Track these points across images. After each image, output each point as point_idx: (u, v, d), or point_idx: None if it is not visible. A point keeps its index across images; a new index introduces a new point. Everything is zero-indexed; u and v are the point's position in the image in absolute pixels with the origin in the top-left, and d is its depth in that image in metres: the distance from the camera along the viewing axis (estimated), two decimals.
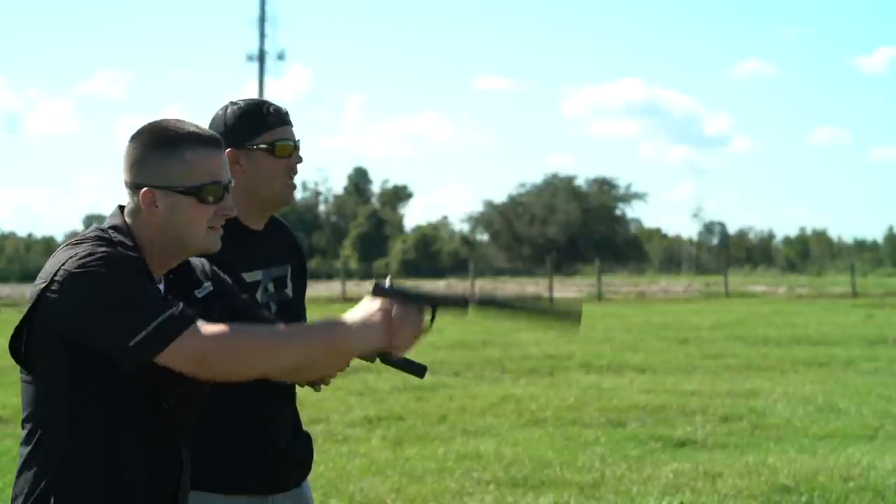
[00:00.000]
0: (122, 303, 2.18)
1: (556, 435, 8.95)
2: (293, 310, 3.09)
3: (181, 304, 2.23)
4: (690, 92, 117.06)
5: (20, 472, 2.30)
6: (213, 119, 3.05)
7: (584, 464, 7.73)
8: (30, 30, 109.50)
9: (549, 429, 9.26)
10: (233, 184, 2.42)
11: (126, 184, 2.36)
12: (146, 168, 2.32)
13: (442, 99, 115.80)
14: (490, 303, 2.42)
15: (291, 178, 3.05)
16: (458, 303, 2.43)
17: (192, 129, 2.35)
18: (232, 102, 3.05)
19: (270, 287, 3.05)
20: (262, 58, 60.21)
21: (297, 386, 3.12)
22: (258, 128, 3.00)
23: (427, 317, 2.42)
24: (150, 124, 2.36)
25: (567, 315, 2.40)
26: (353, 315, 2.34)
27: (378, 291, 2.39)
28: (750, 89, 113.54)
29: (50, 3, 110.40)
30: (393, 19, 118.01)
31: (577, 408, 10.30)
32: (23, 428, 2.33)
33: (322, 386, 3.01)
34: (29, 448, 2.29)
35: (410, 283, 2.45)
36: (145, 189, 2.31)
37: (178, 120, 2.37)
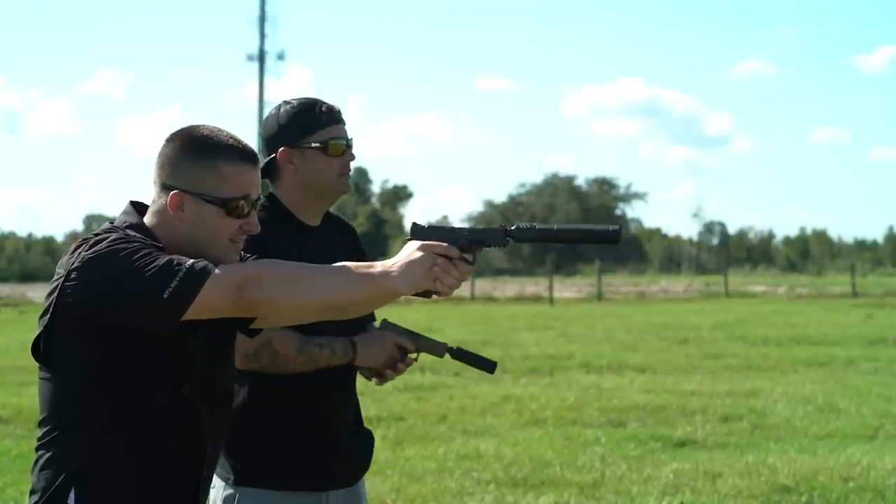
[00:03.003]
0: (146, 264, 2.18)
1: (556, 435, 8.95)
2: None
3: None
4: (691, 92, 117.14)
5: (39, 467, 2.30)
6: (267, 118, 3.10)
7: (584, 464, 7.73)
8: (30, 30, 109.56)
9: (549, 429, 9.26)
10: (261, 200, 2.43)
11: (155, 182, 2.37)
12: (179, 171, 2.33)
13: (442, 99, 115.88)
14: (528, 236, 2.44)
15: (344, 175, 3.09)
16: (498, 238, 2.45)
17: (230, 140, 2.36)
18: (285, 101, 3.10)
19: None
20: (262, 58, 60.19)
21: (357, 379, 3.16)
22: (311, 127, 3.04)
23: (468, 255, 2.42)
24: (190, 128, 2.37)
25: (605, 235, 2.44)
26: (396, 256, 2.36)
27: (417, 232, 2.44)
28: (750, 89, 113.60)
29: (50, 3, 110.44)
30: (393, 19, 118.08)
31: (577, 408, 10.30)
32: (40, 428, 2.33)
33: (384, 380, 3.08)
34: (46, 441, 2.29)
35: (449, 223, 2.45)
36: (175, 192, 2.32)
37: (217, 128, 2.38)
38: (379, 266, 2.34)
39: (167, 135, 2.38)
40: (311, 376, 2.96)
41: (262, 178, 3.09)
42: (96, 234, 2.31)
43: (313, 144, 3.02)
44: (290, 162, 3.04)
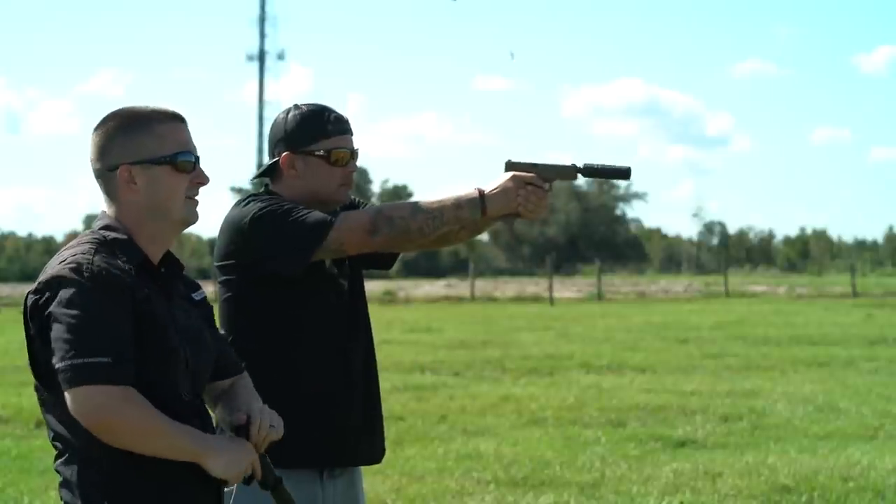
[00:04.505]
0: (81, 325, 2.20)
1: (556, 435, 8.95)
2: (357, 294, 3.15)
3: (124, 358, 2.21)
4: (691, 92, 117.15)
5: (64, 486, 2.30)
6: (275, 121, 3.11)
7: (584, 464, 7.73)
8: (30, 30, 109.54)
9: (549, 429, 9.26)
10: (201, 159, 2.44)
11: (98, 173, 2.39)
12: (119, 148, 2.36)
13: (442, 99, 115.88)
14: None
15: (345, 185, 3.09)
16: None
17: (154, 107, 2.41)
18: (296, 106, 3.10)
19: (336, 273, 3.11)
20: (262, 58, 60.32)
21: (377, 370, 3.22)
22: (317, 134, 3.04)
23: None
24: (112, 112, 2.41)
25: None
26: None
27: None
28: (750, 89, 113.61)
29: (50, 3, 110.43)
30: (393, 20, 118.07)
31: (577, 408, 10.30)
32: (54, 446, 2.33)
33: (530, 218, 3.11)
34: (62, 460, 2.30)
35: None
36: (122, 167, 2.36)
37: (136, 104, 2.42)
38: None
39: (92, 127, 2.41)
40: (311, 354, 2.99)
41: (262, 177, 3.13)
42: (80, 242, 2.33)
43: (317, 152, 3.02)
44: (293, 167, 3.04)
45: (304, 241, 2.90)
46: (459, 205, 2.99)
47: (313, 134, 3.03)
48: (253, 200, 2.99)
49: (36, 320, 2.28)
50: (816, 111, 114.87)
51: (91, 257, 2.27)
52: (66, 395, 2.19)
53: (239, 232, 2.94)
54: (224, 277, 3.01)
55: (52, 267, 2.29)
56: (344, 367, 3.04)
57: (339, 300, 3.06)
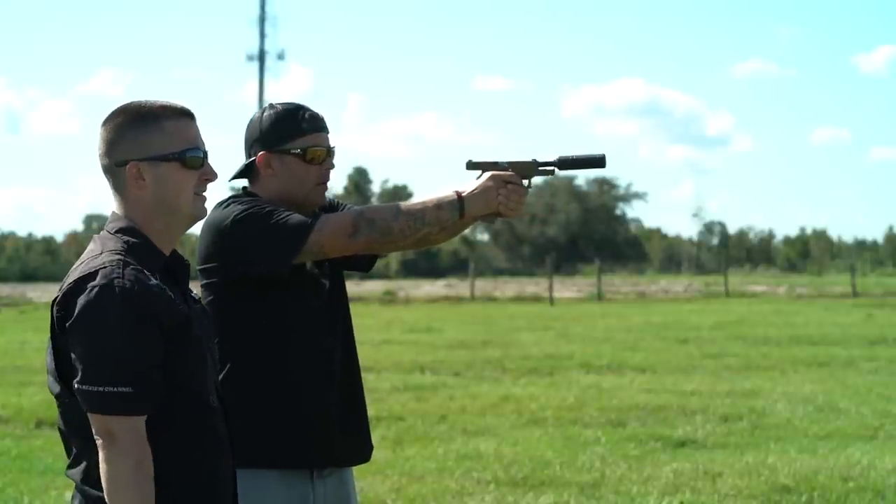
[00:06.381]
0: (104, 348, 2.19)
1: (556, 435, 8.95)
2: (338, 293, 3.15)
3: (146, 388, 2.20)
4: (691, 91, 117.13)
5: (79, 493, 2.29)
6: (250, 121, 3.10)
7: (584, 464, 7.73)
8: (30, 30, 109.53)
9: (549, 429, 9.26)
10: (209, 154, 2.44)
11: (106, 167, 2.38)
12: (127, 144, 2.35)
13: (442, 99, 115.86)
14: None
15: (322, 184, 3.08)
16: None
17: (163, 102, 2.40)
18: (271, 105, 3.10)
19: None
20: (262, 58, 60.29)
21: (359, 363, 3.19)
22: (292, 133, 3.04)
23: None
24: (122, 106, 2.40)
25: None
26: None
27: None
28: (751, 89, 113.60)
29: (50, 3, 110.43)
30: (393, 20, 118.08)
31: (577, 408, 10.30)
32: (72, 450, 2.32)
33: (511, 216, 3.11)
34: (80, 468, 2.28)
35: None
36: (130, 163, 2.34)
37: (146, 99, 2.41)
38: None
39: (101, 120, 2.40)
40: (295, 354, 2.99)
41: (239, 178, 3.12)
42: (104, 248, 2.30)
43: (293, 150, 3.02)
44: (269, 166, 3.03)
45: (286, 244, 2.90)
46: (440, 206, 2.99)
47: (288, 132, 3.03)
48: (233, 202, 2.99)
49: (61, 332, 2.25)
50: (816, 111, 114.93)
51: (121, 270, 2.24)
52: (88, 415, 2.20)
53: (220, 235, 2.94)
54: (206, 280, 3.01)
55: (79, 275, 2.25)
56: (326, 367, 3.04)
57: (319, 300, 3.06)
